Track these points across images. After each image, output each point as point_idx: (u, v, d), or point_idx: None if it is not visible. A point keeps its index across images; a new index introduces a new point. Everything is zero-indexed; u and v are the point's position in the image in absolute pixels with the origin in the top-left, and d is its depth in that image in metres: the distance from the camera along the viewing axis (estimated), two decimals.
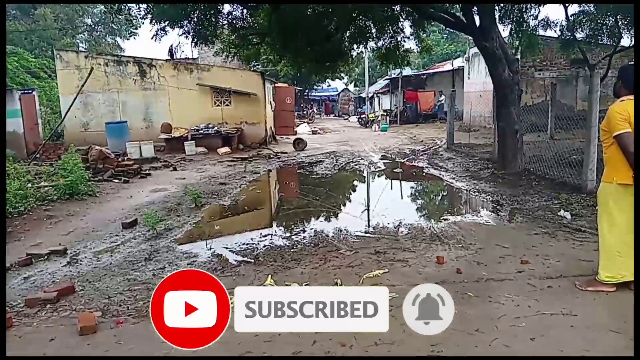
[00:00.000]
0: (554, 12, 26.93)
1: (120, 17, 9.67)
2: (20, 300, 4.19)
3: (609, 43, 13.79)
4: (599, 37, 12.87)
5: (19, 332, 3.64)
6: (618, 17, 10.96)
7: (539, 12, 11.82)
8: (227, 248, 5.70)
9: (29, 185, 8.53)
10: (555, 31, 13.42)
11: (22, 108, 14.61)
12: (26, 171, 10.01)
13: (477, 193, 8.55)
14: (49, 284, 4.63)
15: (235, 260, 5.21)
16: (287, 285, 4.33)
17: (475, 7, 10.04)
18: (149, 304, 3.98)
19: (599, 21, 11.92)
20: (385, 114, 28.48)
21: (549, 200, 7.43)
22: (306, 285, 4.29)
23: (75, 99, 15.20)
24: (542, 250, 5.14)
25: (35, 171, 10.41)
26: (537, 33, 13.02)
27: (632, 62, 4.33)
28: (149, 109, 17.17)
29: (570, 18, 12.78)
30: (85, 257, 5.46)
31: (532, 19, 11.99)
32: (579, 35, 13.25)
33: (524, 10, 10.86)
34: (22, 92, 15.68)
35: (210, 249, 5.73)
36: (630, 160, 3.63)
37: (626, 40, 14.22)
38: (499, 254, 5.07)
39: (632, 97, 3.74)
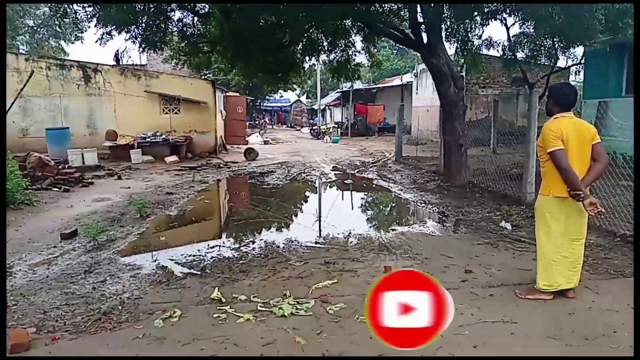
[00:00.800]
0: (497, 33, 28.27)
1: (65, 20, 9.25)
2: None
3: (547, 63, 14.63)
4: (538, 58, 13.61)
5: None
6: (555, 39, 11.62)
7: (483, 32, 12.39)
8: (172, 260, 5.54)
9: None
10: (497, 50, 14.11)
11: None
12: None
13: (423, 204, 8.76)
14: None
15: (181, 273, 5.08)
16: (234, 297, 4.26)
17: (423, 25, 10.37)
18: (88, 319, 3.83)
19: (537, 42, 12.60)
20: (336, 126, 28.80)
21: (491, 212, 7.73)
22: (254, 297, 4.24)
23: (12, 103, 14.36)
24: (484, 260, 5.32)
25: None
26: (481, 52, 13.62)
27: (561, 83, 4.64)
28: (93, 116, 16.53)
29: (511, 39, 13.46)
30: (20, 269, 5.15)
31: (477, 39, 12.52)
32: (520, 55, 13.98)
33: (469, 29, 11.30)
34: None
35: (155, 260, 5.55)
36: (564, 176, 3.83)
37: (562, 62, 15.15)
38: (444, 263, 5.20)
39: (566, 114, 3.97)
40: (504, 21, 12.43)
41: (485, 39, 13.46)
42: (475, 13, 10.23)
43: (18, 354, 3.31)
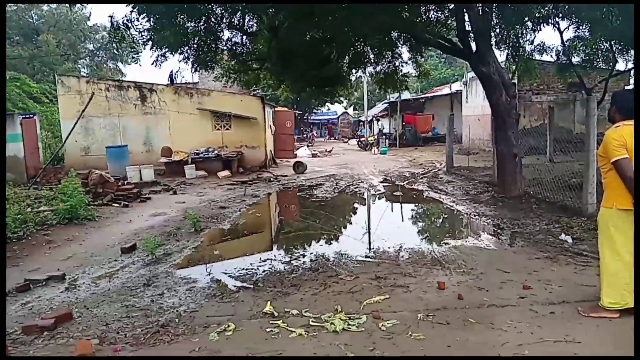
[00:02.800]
0: (550, 38, 27.35)
1: (122, 44, 9.77)
2: (17, 327, 4.14)
3: (604, 67, 13.98)
4: (595, 62, 13.04)
5: None
6: (612, 42, 11.11)
7: (535, 37, 12.00)
8: (226, 273, 5.66)
9: (29, 209, 8.52)
10: (551, 56, 13.62)
11: (23, 132, 14.69)
12: (26, 195, 10.02)
13: (477, 216, 8.53)
14: (46, 310, 4.59)
15: (235, 286, 5.17)
16: (286, 311, 4.29)
17: (471, 33, 10.19)
18: (147, 331, 3.97)
19: (593, 46, 12.08)
20: (384, 137, 28.61)
21: (549, 224, 7.41)
22: (306, 312, 4.25)
23: (76, 123, 15.27)
24: (543, 275, 5.10)
25: (35, 195, 10.39)
26: (534, 58, 13.20)
27: (626, 88, 4.46)
28: (149, 133, 17.26)
29: (565, 43, 12.98)
30: (84, 282, 5.41)
31: (528, 44, 12.16)
32: (575, 59, 13.45)
33: (519, 35, 11.02)
34: (24, 116, 15.78)
35: (210, 274, 5.69)
36: (629, 186, 3.63)
37: (621, 65, 14.43)
38: (501, 278, 5.03)
39: (628, 122, 3.77)
40: (556, 25, 12.00)
41: (537, 44, 13.04)
42: (526, 18, 9.97)
43: None
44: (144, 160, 15.75)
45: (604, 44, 11.64)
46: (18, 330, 4.08)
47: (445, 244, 6.72)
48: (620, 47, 11.45)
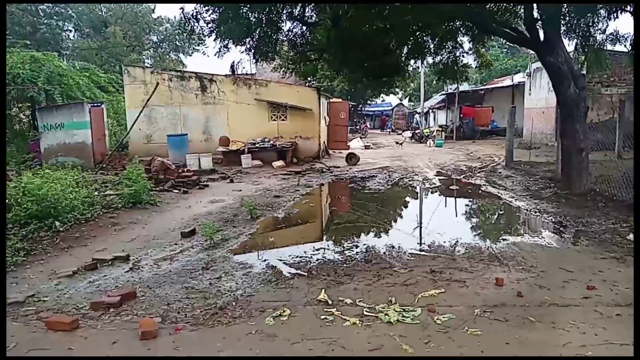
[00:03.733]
0: (624, 26, 25.68)
1: (191, 35, 10.08)
2: (86, 303, 4.41)
3: None
4: None
5: (85, 333, 3.82)
6: None
7: (607, 25, 11.29)
8: (281, 260, 5.76)
9: (96, 193, 9.00)
10: (624, 45, 12.76)
11: (91, 120, 15.50)
12: (93, 180, 10.59)
13: (538, 213, 8.21)
14: (112, 288, 4.85)
15: (289, 273, 5.26)
16: (340, 300, 4.32)
17: (539, 21, 9.75)
18: (206, 313, 4.11)
19: None
20: (440, 129, 27.98)
21: (616, 223, 7.03)
22: (360, 301, 4.26)
23: (140, 112, 16.00)
24: (609, 275, 4.86)
25: (102, 180, 10.98)
26: (605, 48, 12.43)
27: None
28: (208, 123, 17.75)
29: None
30: (147, 264, 5.67)
31: (600, 33, 11.45)
32: None
33: (590, 24, 10.41)
34: (92, 105, 16.63)
35: (265, 260, 5.81)
36: None
37: None
38: (563, 278, 4.83)
39: None
40: (633, 13, 11.23)
41: (610, 33, 12.25)
42: (599, 5, 9.40)
43: (147, 340, 3.64)
44: (203, 148, 16.22)
45: None
46: (87, 305, 4.34)
47: (504, 240, 6.52)
48: None
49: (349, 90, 31.65)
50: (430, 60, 12.56)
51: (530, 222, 7.91)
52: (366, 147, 24.68)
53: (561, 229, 7.12)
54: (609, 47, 12.71)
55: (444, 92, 35.04)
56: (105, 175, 12.19)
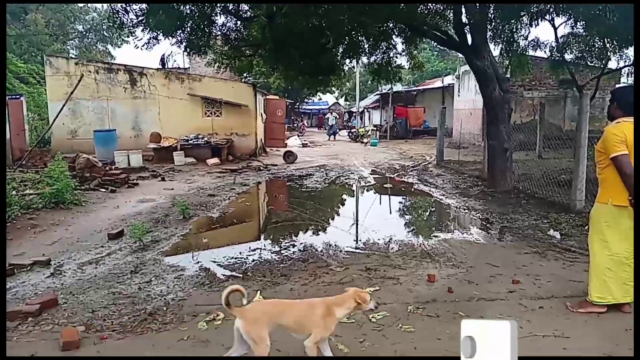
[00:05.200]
0: (544, 34, 27.41)
1: (114, 25, 9.56)
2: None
3: (597, 65, 14.03)
4: (588, 59, 13.08)
5: None
6: (607, 39, 11.13)
7: (529, 32, 12.02)
8: (215, 262, 5.61)
9: (13, 192, 8.36)
10: (544, 52, 13.64)
11: (9, 114, 14.41)
12: (11, 178, 9.82)
13: (466, 210, 8.56)
14: (31, 296, 4.51)
15: (224, 275, 5.13)
16: None
17: (467, 26, 10.15)
18: (134, 319, 3.91)
19: (588, 43, 12.11)
20: (375, 129, 28.58)
21: (538, 219, 7.46)
22: None
23: (63, 105, 15.05)
24: (532, 269, 5.13)
25: (21, 178, 10.20)
26: (527, 53, 13.21)
27: (625, 84, 4.51)
28: (138, 118, 17.03)
29: (559, 39, 13.00)
30: (70, 268, 5.33)
31: (523, 39, 12.15)
32: (568, 56, 13.47)
33: (514, 30, 11.01)
34: (10, 97, 15.48)
35: (198, 262, 5.63)
36: (628, 182, 3.64)
37: (613, 63, 14.48)
38: (490, 272, 5.04)
39: (628, 119, 3.77)
40: (552, 22, 12.01)
41: (531, 40, 13.05)
42: (523, 13, 9.95)
43: (69, 351, 3.40)
44: (133, 145, 15.54)
45: (599, 41, 11.67)
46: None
47: (435, 237, 6.73)
48: (614, 45, 11.48)
49: (286, 88, 31.55)
50: (365, 60, 12.77)
51: (459, 219, 8.24)
52: (304, 145, 24.73)
53: (488, 225, 7.46)
54: (531, 52, 13.55)
55: (378, 92, 35.82)
56: (24, 173, 11.34)
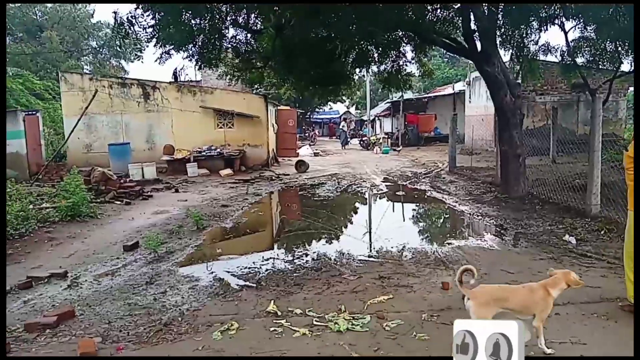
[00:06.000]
0: (555, 38, 27.27)
1: (126, 41, 9.72)
2: (20, 324, 4.13)
3: (609, 68, 13.88)
4: (600, 62, 12.94)
5: (17, 357, 3.57)
6: (618, 42, 11.02)
7: (539, 37, 11.93)
8: (229, 272, 5.64)
9: (31, 206, 8.51)
10: (555, 56, 13.52)
11: (25, 129, 14.69)
12: (28, 192, 10.00)
13: (480, 217, 8.50)
14: (48, 308, 4.57)
15: (237, 285, 5.15)
16: (290, 310, 4.27)
17: (476, 33, 10.15)
18: (150, 330, 3.95)
19: (599, 46, 12.00)
20: (386, 136, 28.57)
21: (553, 225, 7.38)
22: (309, 311, 4.23)
23: (79, 120, 15.28)
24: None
25: (37, 192, 10.39)
26: (538, 58, 13.13)
27: None
28: (151, 131, 17.25)
29: (570, 43, 12.90)
30: (86, 280, 5.40)
31: (533, 44, 12.07)
32: (580, 60, 13.33)
33: (524, 35, 10.96)
34: (26, 113, 15.77)
35: (212, 272, 5.67)
36: None
37: (626, 66, 14.33)
38: (505, 279, 4.99)
39: None
40: (562, 26, 11.94)
41: (542, 45, 12.95)
42: (532, 18, 9.92)
43: None
44: (147, 158, 15.72)
45: (610, 44, 11.56)
46: (20, 327, 4.07)
47: (449, 244, 6.70)
48: (627, 48, 11.35)
49: (297, 98, 31.75)
50: (375, 68, 12.78)
51: (473, 226, 8.18)
52: (315, 155, 24.79)
53: (502, 231, 7.41)
54: (542, 57, 13.46)
55: (389, 100, 35.81)
56: (41, 187, 11.54)
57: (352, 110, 55.66)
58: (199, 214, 8.26)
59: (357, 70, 12.86)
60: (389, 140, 28.75)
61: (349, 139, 32.18)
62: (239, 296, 4.78)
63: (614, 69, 13.59)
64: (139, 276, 5.49)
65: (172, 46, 9.51)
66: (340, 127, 35.66)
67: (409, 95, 31.42)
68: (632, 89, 22.84)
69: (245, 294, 4.82)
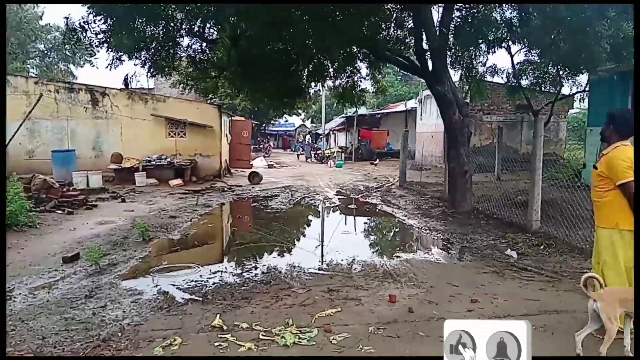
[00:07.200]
0: (501, 61, 28.59)
1: (78, 45, 9.37)
2: None
3: (551, 90, 14.69)
4: (542, 85, 13.68)
5: None
6: (560, 67, 11.68)
7: (487, 59, 12.49)
8: (174, 285, 5.48)
9: None
10: (502, 78, 14.21)
11: None
12: None
13: (428, 231, 8.69)
14: None
15: (183, 298, 5.01)
16: (236, 325, 4.19)
17: (428, 52, 10.48)
18: (87, 346, 3.77)
19: (542, 70, 12.68)
20: (340, 150, 28.89)
21: (496, 239, 7.64)
22: (256, 325, 4.16)
23: (20, 125, 14.52)
24: (490, 289, 5.23)
25: None
26: (486, 79, 13.74)
27: (623, 109, 4.83)
28: (99, 138, 16.65)
29: (516, 66, 13.57)
30: (20, 293, 5.10)
31: (481, 66, 12.64)
32: (524, 82, 14.07)
33: (473, 57, 11.44)
34: None
35: (157, 285, 5.49)
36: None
37: (566, 89, 15.21)
38: (450, 292, 5.11)
39: (625, 142, 3.80)
40: (508, 49, 12.55)
41: (489, 66, 13.60)
42: (480, 40, 10.35)
43: None
44: (93, 166, 15.14)
45: (552, 68, 12.23)
46: None
47: (397, 257, 6.79)
48: (567, 72, 12.05)
49: (253, 109, 31.60)
50: (330, 83, 12.95)
51: (421, 240, 8.35)
52: (269, 166, 24.70)
53: (448, 245, 7.59)
54: (489, 78, 14.10)
55: (343, 115, 36.31)
56: None
57: (308, 123, 55.99)
58: (146, 225, 8.01)
59: (313, 84, 12.98)
60: (343, 154, 29.08)
61: (311, 152, 32.16)
62: (183, 310, 4.64)
63: (556, 91, 14.40)
64: (77, 289, 5.24)
65: (124, 52, 9.27)
66: (306, 141, 35.81)
67: (363, 111, 31.96)
68: (571, 111, 24.21)
69: (190, 308, 4.69)
